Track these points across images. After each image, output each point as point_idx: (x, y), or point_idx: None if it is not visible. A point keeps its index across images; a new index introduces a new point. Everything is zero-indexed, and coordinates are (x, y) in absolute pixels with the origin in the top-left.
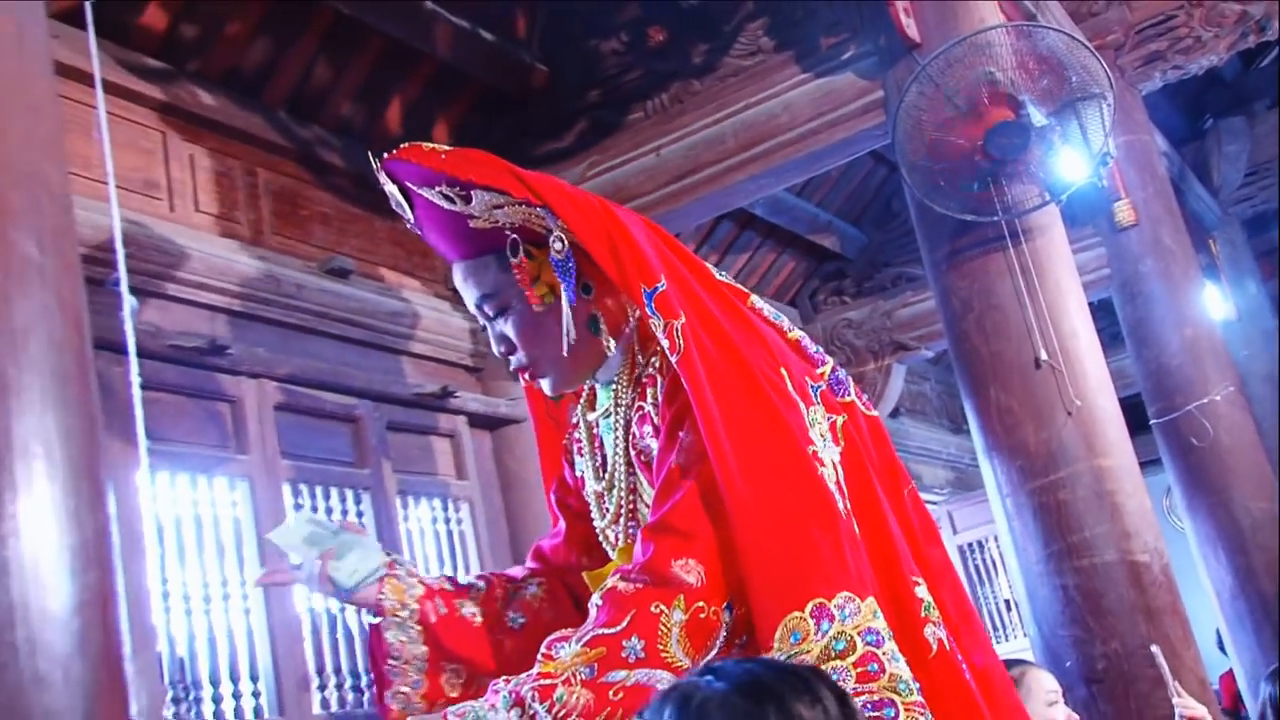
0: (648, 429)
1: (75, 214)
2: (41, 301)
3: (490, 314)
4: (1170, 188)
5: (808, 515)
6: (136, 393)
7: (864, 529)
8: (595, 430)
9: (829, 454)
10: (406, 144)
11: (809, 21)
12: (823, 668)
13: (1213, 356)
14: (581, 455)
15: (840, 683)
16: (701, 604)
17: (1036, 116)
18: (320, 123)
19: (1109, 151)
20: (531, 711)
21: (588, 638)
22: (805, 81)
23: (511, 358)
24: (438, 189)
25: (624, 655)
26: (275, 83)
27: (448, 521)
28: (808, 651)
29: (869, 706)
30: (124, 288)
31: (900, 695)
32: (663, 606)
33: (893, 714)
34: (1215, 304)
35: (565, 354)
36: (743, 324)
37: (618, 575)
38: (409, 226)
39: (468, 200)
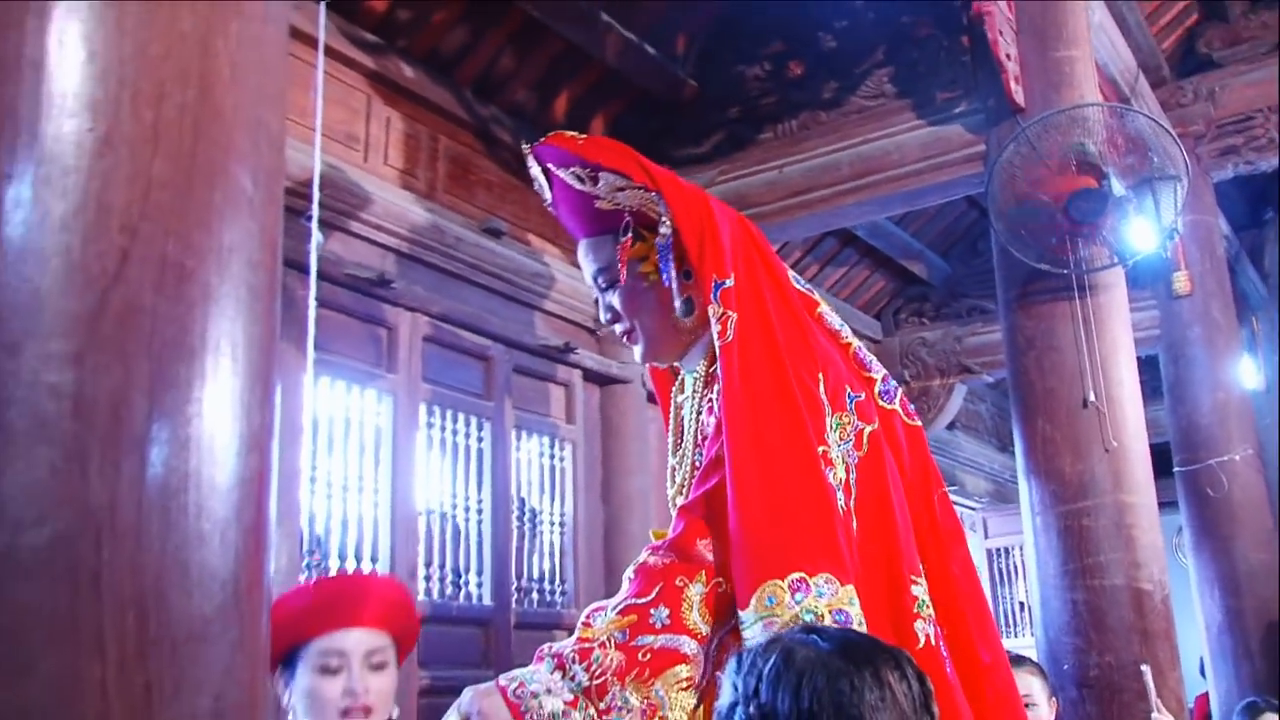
0: (710, 420)
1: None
2: (247, 227)
3: (603, 286)
4: (1225, 267)
5: (804, 500)
6: (312, 311)
7: (867, 529)
8: (680, 411)
9: (842, 456)
10: (552, 132)
11: (930, 76)
12: None
13: (1238, 420)
14: (669, 430)
15: None
16: (720, 580)
17: (1117, 187)
18: (498, 104)
19: (1176, 228)
20: (572, 672)
21: (621, 606)
22: (918, 127)
23: (616, 326)
24: (572, 170)
25: (651, 623)
26: (466, 65)
27: (553, 458)
28: (778, 617)
29: None
30: (315, 224)
31: None
32: (686, 580)
33: None
34: (1249, 374)
35: (656, 327)
36: (796, 329)
37: (648, 551)
38: (547, 206)
39: (595, 182)
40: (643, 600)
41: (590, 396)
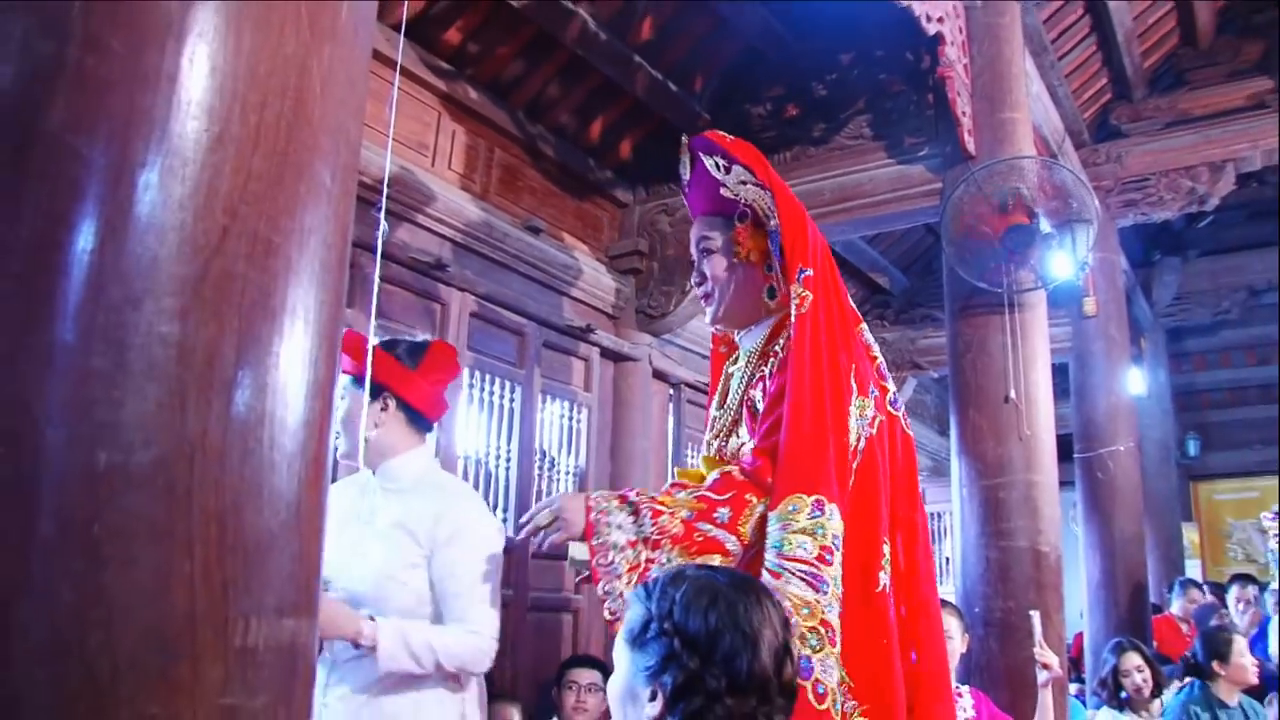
0: (757, 392)
1: (362, 156)
2: (324, 214)
3: (702, 251)
4: (1123, 296)
5: (833, 446)
6: (376, 286)
7: (859, 490)
8: (729, 376)
9: (857, 428)
10: (710, 130)
11: (900, 124)
12: (799, 538)
13: (1125, 419)
14: (716, 392)
15: (806, 551)
16: (766, 506)
17: (1045, 225)
18: (544, 124)
19: (1087, 261)
20: (641, 521)
21: (698, 494)
22: (888, 165)
23: (700, 286)
24: (715, 158)
25: (715, 516)
26: (520, 91)
27: (571, 419)
28: (795, 523)
29: (809, 577)
30: (383, 215)
31: (830, 583)
32: (753, 498)
33: (823, 590)
34: (1135, 383)
35: (733, 297)
36: (843, 326)
37: (735, 467)
38: (683, 185)
39: (728, 172)
40: (716, 497)
41: (605, 371)
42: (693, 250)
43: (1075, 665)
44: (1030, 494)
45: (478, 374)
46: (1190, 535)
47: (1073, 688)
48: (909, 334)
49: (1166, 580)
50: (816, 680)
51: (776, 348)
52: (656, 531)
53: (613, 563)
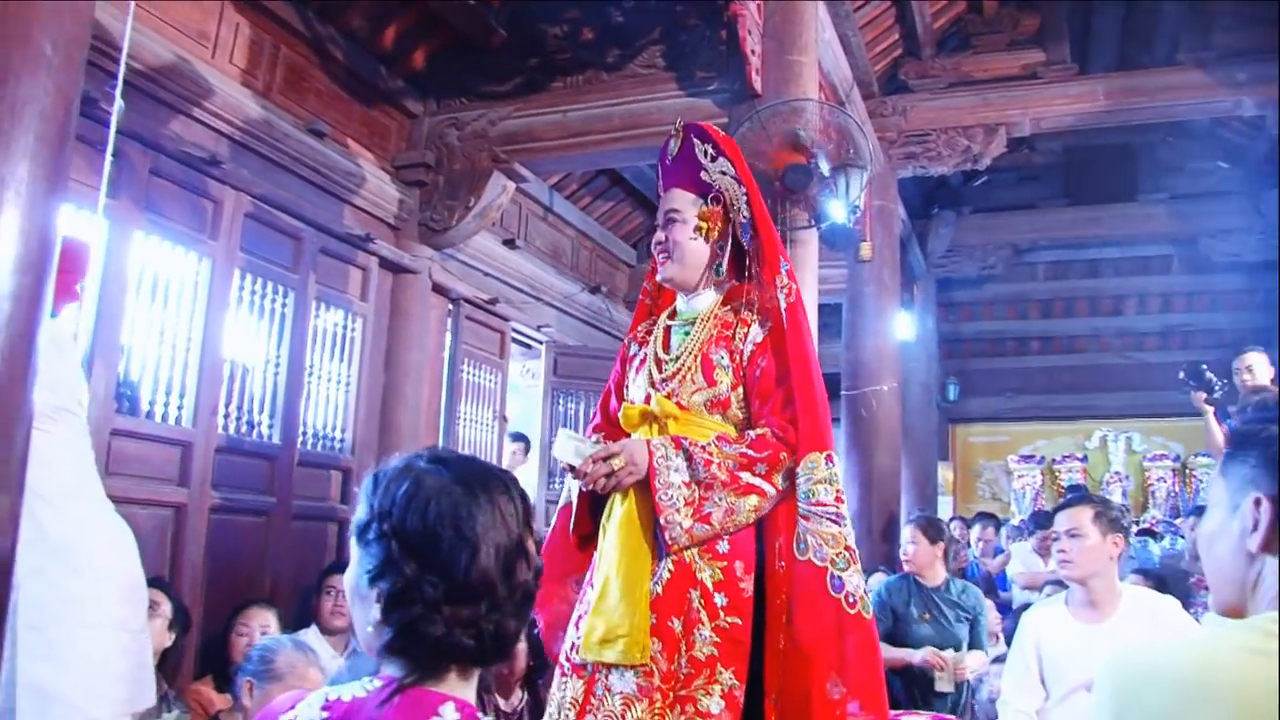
0: (720, 350)
1: (136, 42)
2: (42, 84)
3: (669, 218)
4: (899, 244)
5: (828, 411)
6: (108, 166)
7: None
8: (669, 331)
9: None
10: (707, 124)
11: (692, 57)
12: (820, 487)
13: (890, 361)
14: (644, 345)
15: (827, 496)
16: (793, 462)
17: (823, 167)
18: (336, 25)
19: (858, 205)
20: (695, 466)
21: (740, 450)
22: (678, 96)
23: (659, 246)
24: (705, 145)
25: (755, 469)
26: None
27: (347, 328)
28: (817, 472)
29: (832, 516)
30: (118, 92)
31: (846, 517)
32: (784, 455)
33: (843, 523)
34: (904, 328)
35: (688, 265)
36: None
37: (768, 431)
38: (667, 160)
39: (713, 160)
40: (755, 454)
41: (384, 281)
42: (659, 215)
43: None
44: None
45: (249, 277)
46: (945, 473)
47: None
48: None
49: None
50: (848, 593)
51: (745, 316)
52: (709, 476)
53: (673, 499)
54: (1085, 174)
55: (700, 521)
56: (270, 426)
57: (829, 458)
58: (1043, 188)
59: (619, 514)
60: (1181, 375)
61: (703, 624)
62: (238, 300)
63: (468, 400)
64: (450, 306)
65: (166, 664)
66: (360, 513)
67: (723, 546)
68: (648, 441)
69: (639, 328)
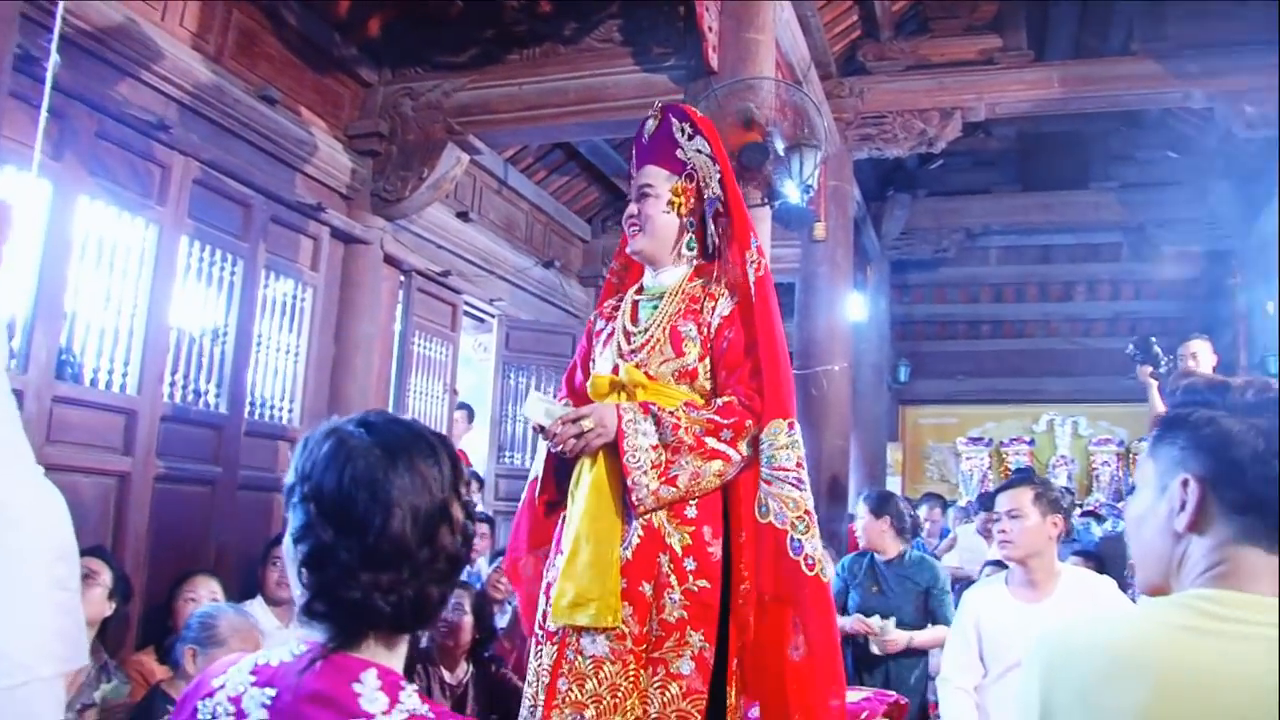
0: (688, 323)
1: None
2: None
3: (641, 193)
4: (853, 225)
5: (792, 385)
6: (42, 122)
7: None
8: (637, 305)
9: None
10: (684, 105)
11: (650, 32)
12: (782, 452)
13: (842, 341)
14: (611, 320)
15: (788, 462)
16: (758, 430)
17: (778, 145)
18: None
19: (812, 185)
20: (663, 430)
21: (708, 416)
22: (634, 71)
23: (631, 219)
24: (683, 125)
25: (720, 435)
26: None
27: (297, 298)
28: (779, 439)
29: (794, 480)
30: (53, 45)
31: (806, 482)
32: (749, 423)
33: (803, 488)
34: (856, 309)
35: (658, 239)
36: None
37: (735, 399)
38: (643, 139)
39: (690, 139)
40: (721, 420)
41: (335, 251)
42: (632, 190)
43: None
44: None
45: (197, 244)
46: (894, 454)
47: None
48: None
49: None
50: (806, 555)
51: (713, 290)
52: (676, 440)
53: (640, 461)
54: (1039, 160)
55: (667, 484)
56: (217, 396)
57: (791, 425)
58: (997, 173)
59: (588, 480)
60: (1130, 349)
61: (672, 588)
62: (185, 268)
63: (418, 373)
64: (402, 278)
65: (107, 634)
66: (289, 475)
67: (691, 512)
68: (617, 405)
69: (606, 304)
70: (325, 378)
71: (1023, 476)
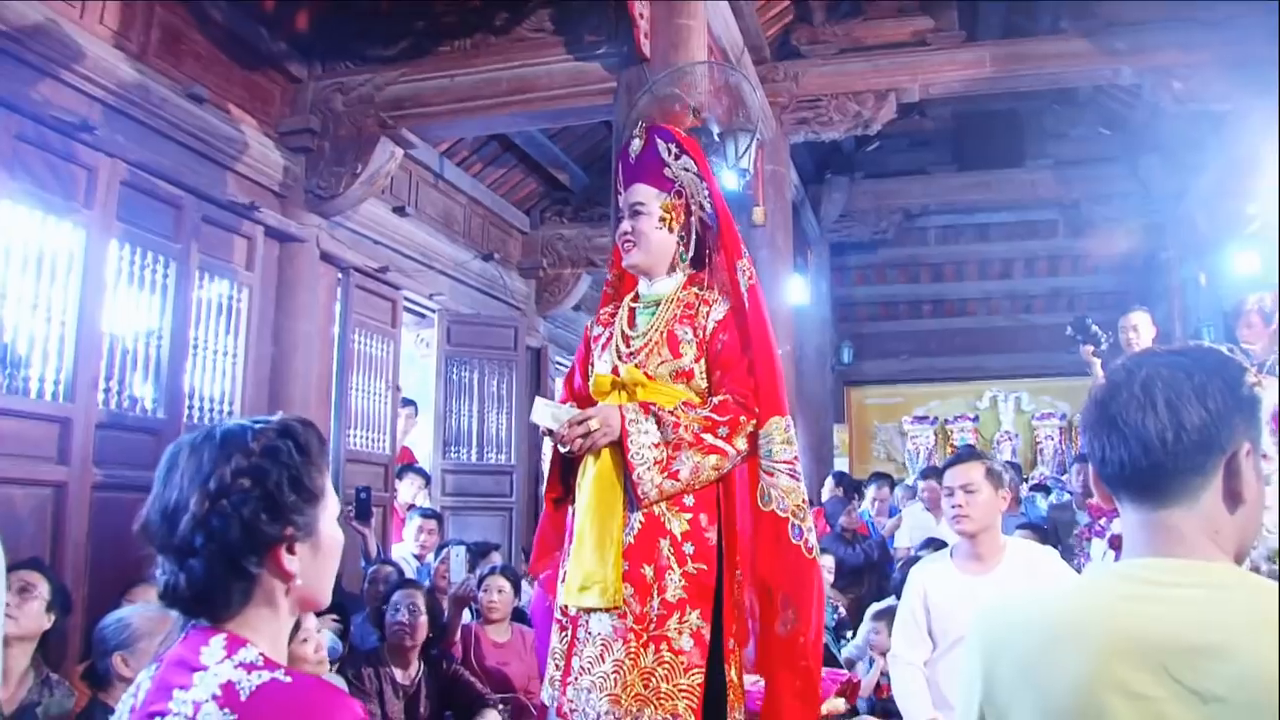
0: (684, 327)
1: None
2: None
3: (634, 211)
4: (791, 209)
5: (783, 380)
6: None
7: None
8: (634, 312)
9: None
10: (669, 126)
11: (581, 21)
12: (781, 447)
13: (784, 325)
14: (609, 326)
15: (787, 455)
16: (755, 426)
17: (715, 128)
18: None
19: (748, 169)
20: (664, 429)
21: (704, 414)
22: (567, 60)
23: (625, 236)
24: (669, 145)
25: (718, 431)
26: None
27: (233, 299)
28: (778, 434)
29: (791, 472)
30: None
31: (801, 474)
32: (744, 419)
33: (799, 478)
34: (798, 292)
35: (653, 253)
36: None
37: (730, 397)
38: (630, 158)
39: (677, 159)
40: (718, 418)
41: (270, 250)
42: (624, 208)
43: None
44: None
45: (127, 246)
46: (841, 435)
47: None
48: (586, 231)
49: (818, 476)
50: (806, 540)
51: (706, 296)
52: (676, 438)
53: (644, 458)
54: (974, 140)
55: (669, 478)
56: (155, 401)
57: (788, 424)
58: (933, 153)
59: (592, 473)
60: (1069, 330)
61: (672, 570)
62: (116, 271)
63: (360, 370)
64: (340, 275)
65: (48, 647)
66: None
67: (689, 500)
68: (620, 406)
69: (603, 311)
70: (265, 378)
71: (971, 451)
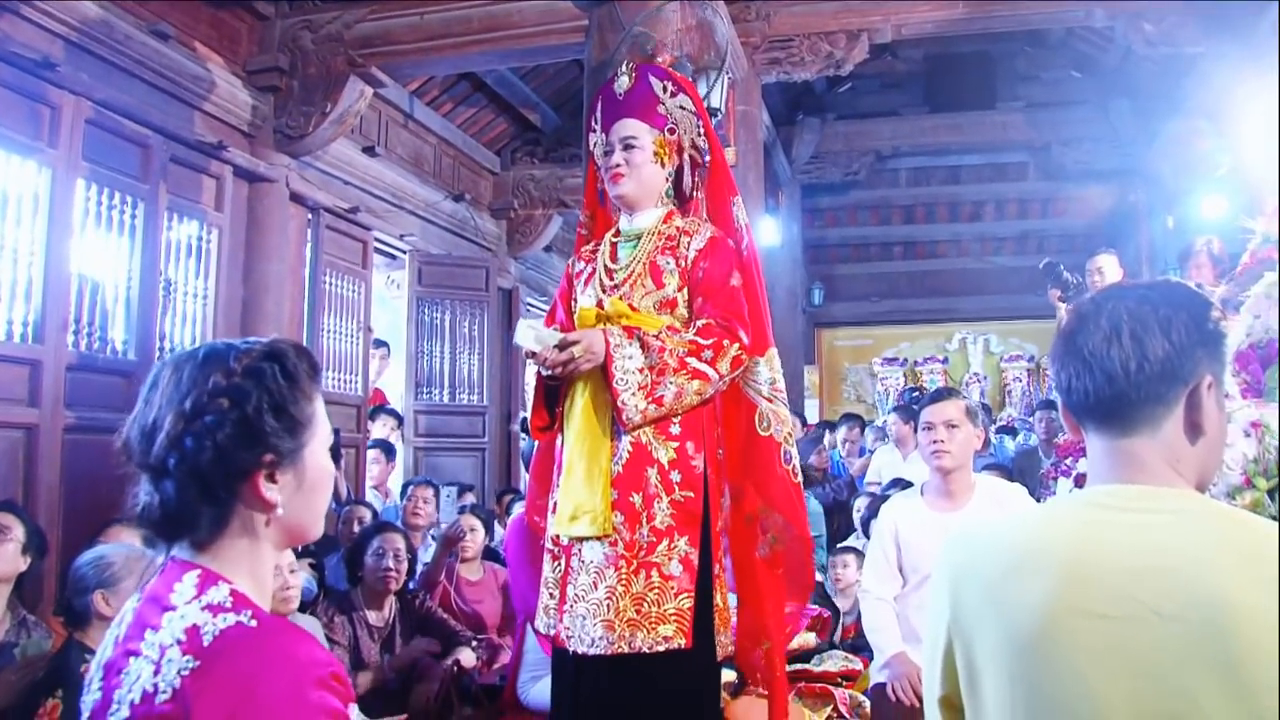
0: (666, 257)
1: None
2: None
3: (627, 145)
4: (763, 150)
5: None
6: None
7: None
8: (615, 246)
9: None
10: (662, 65)
11: None
12: (778, 375)
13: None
14: (590, 262)
15: (781, 384)
16: (741, 352)
17: (687, 68)
18: None
19: (720, 108)
20: (648, 352)
21: (689, 337)
22: None
23: (615, 167)
24: (664, 83)
25: (701, 355)
26: None
27: (202, 240)
28: (774, 364)
29: (783, 400)
30: None
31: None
32: (728, 344)
33: (788, 409)
34: (769, 233)
35: (642, 186)
36: None
37: (714, 321)
38: (617, 94)
39: (673, 97)
40: (703, 341)
41: (239, 191)
42: (613, 141)
43: None
44: None
45: (94, 186)
46: (811, 377)
47: None
48: (557, 172)
49: None
50: (794, 466)
51: (687, 227)
52: (661, 362)
53: (628, 383)
54: (946, 82)
55: (653, 403)
56: (125, 342)
57: (774, 355)
58: (905, 95)
59: (579, 404)
60: (1042, 267)
61: (660, 498)
62: (84, 212)
63: (331, 312)
64: (309, 216)
65: (24, 589)
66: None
67: (675, 429)
68: (604, 330)
69: (584, 249)
70: (236, 320)
71: (949, 390)
